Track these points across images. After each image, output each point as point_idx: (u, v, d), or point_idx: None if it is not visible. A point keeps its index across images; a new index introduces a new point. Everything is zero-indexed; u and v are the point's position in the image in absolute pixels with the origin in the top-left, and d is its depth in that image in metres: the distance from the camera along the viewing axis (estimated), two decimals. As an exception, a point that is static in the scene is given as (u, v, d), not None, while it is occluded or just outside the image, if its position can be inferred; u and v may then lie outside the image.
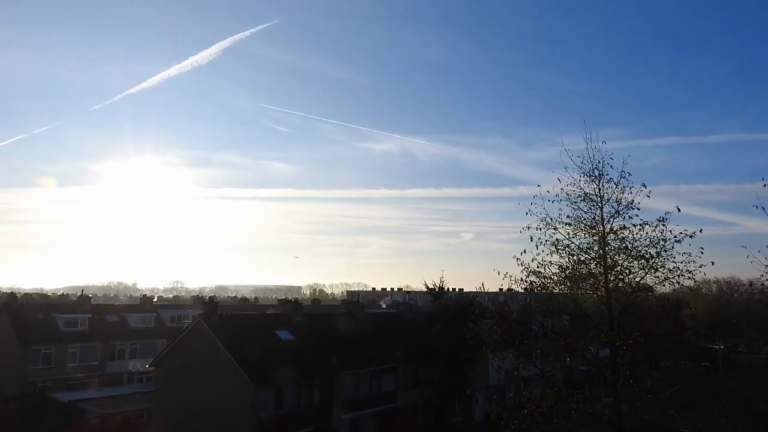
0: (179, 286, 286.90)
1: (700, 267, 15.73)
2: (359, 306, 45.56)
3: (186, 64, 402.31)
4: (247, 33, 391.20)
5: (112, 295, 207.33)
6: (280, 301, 45.33)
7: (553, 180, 17.52)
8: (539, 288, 17.40)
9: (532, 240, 17.10)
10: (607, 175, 17.15)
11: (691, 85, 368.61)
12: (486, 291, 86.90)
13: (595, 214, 17.22)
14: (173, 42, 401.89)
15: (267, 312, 53.86)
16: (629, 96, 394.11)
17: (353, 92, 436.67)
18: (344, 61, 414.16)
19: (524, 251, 17.17)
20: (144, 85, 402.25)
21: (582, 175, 17.35)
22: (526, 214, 17.49)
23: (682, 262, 15.93)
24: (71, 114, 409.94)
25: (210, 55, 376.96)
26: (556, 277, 17.16)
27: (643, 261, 16.33)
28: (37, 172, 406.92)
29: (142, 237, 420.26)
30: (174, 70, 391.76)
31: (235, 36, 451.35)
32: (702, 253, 15.77)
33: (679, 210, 15.93)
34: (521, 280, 17.49)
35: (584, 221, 17.32)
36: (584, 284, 17.13)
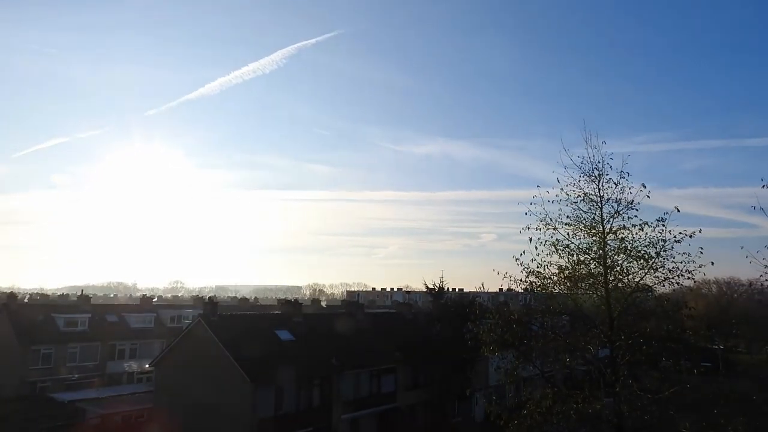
0: (179, 286, 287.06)
1: (700, 267, 15.74)
2: (359, 306, 45.51)
3: (246, 70, 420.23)
4: (310, 41, 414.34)
5: (111, 295, 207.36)
6: (280, 301, 45.29)
7: (554, 180, 17.54)
8: (539, 288, 17.40)
9: (531, 240, 17.12)
10: (607, 175, 17.17)
11: (739, 89, 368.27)
12: (486, 291, 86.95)
13: (595, 214, 17.22)
14: (234, 49, 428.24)
15: (267, 312, 53.91)
16: (676, 100, 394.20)
17: (403, 97, 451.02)
18: (399, 68, 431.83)
19: (524, 252, 17.21)
20: (202, 90, 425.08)
21: (582, 175, 17.37)
22: (526, 214, 17.52)
23: (681, 263, 15.95)
24: (123, 119, 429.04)
25: (272, 62, 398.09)
26: (555, 278, 17.17)
27: (642, 261, 16.33)
28: (68, 175, 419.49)
29: (161, 238, 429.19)
30: (234, 76, 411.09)
31: (297, 44, 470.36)
32: (701, 253, 15.78)
33: (678, 210, 15.95)
34: (521, 280, 17.52)
35: (584, 221, 17.32)
36: (584, 284, 17.12)
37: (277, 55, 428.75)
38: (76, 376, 49.79)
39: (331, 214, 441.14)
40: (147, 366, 48.55)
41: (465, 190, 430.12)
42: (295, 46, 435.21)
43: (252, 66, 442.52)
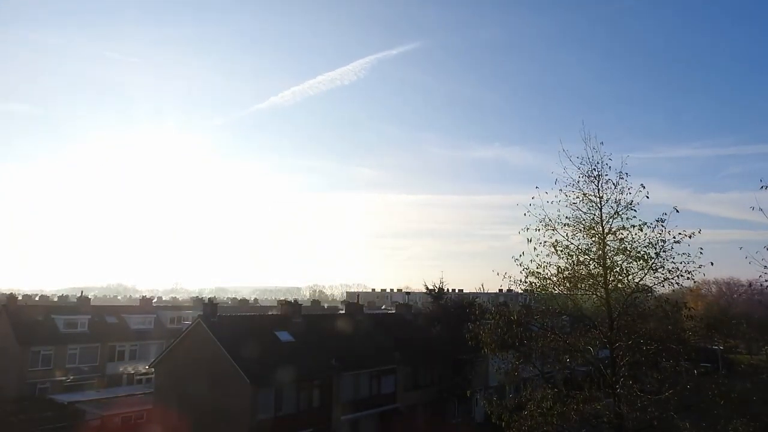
0: (179, 287, 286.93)
1: (700, 268, 15.74)
2: (359, 307, 45.49)
3: (321, 80, 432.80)
4: (387, 53, 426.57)
5: (111, 296, 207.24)
6: (279, 302, 45.26)
7: (555, 181, 17.54)
8: (539, 289, 17.40)
9: (530, 241, 17.13)
10: (606, 175, 17.17)
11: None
12: (485, 292, 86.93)
13: (594, 214, 17.21)
14: (308, 59, 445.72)
15: (267, 313, 53.89)
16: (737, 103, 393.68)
17: (465, 106, 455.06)
18: (469, 79, 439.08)
19: (523, 252, 17.21)
20: (274, 99, 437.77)
21: (581, 175, 17.37)
22: (524, 215, 17.52)
23: (681, 263, 15.95)
24: (188, 129, 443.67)
25: (345, 72, 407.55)
26: (555, 278, 17.16)
27: (642, 262, 16.31)
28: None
29: (161, 239, 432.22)
30: (307, 85, 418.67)
31: (375, 56, 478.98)
32: (701, 253, 15.79)
33: (677, 211, 15.96)
34: (521, 281, 17.52)
35: (583, 222, 17.32)
36: (583, 285, 17.11)
37: (349, 68, 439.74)
38: (76, 377, 49.75)
39: (360, 216, 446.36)
40: (147, 367, 48.53)
41: (502, 194, 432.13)
42: (375, 57, 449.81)
43: (320, 78, 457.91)
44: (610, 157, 17.08)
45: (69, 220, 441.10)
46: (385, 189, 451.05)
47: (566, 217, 17.47)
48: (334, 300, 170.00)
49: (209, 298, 41.50)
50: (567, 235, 17.42)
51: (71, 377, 49.41)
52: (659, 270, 16.24)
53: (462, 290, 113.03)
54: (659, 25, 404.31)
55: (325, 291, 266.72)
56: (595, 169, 17.15)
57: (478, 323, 18.78)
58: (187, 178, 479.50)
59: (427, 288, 46.20)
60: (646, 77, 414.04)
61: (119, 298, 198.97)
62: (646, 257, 16.23)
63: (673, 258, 16.06)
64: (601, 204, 17.14)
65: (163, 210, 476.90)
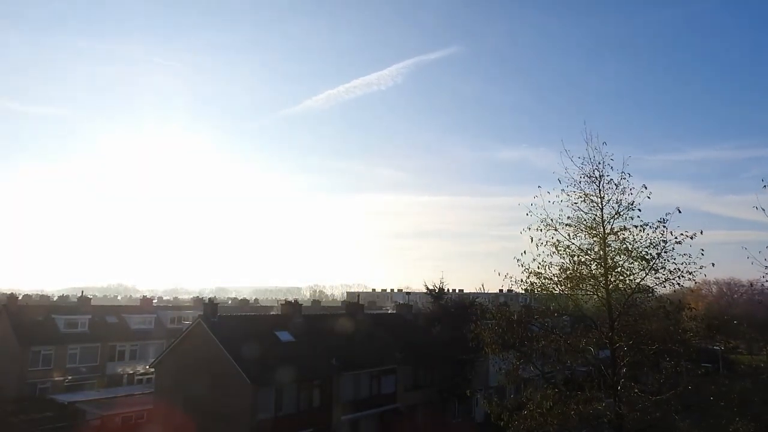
0: (179, 287, 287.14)
1: (701, 268, 15.74)
2: (359, 307, 45.47)
3: (356, 83, 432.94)
4: (416, 59, 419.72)
5: (111, 296, 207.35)
6: (280, 302, 45.26)
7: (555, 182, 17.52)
8: (540, 289, 17.39)
9: (532, 241, 17.11)
10: (608, 176, 17.17)
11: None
12: (486, 292, 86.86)
13: (596, 215, 17.21)
14: (339, 63, 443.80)
15: (267, 313, 53.90)
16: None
17: (495, 109, 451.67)
18: (505, 84, 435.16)
19: (524, 252, 17.19)
20: (308, 103, 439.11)
21: (582, 176, 17.37)
22: (527, 215, 17.50)
23: (682, 263, 15.95)
24: (215, 133, 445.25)
25: (381, 77, 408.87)
26: (556, 278, 17.16)
27: (643, 262, 16.31)
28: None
29: (162, 240, 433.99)
30: (342, 89, 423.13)
31: (411, 60, 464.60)
32: (702, 254, 15.77)
33: (679, 211, 15.95)
34: (522, 281, 17.51)
35: (585, 222, 17.32)
36: (584, 285, 17.11)
37: (385, 72, 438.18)
38: (76, 377, 49.76)
39: (377, 216, 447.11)
40: (147, 367, 48.54)
41: (519, 196, 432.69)
42: (412, 61, 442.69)
43: (356, 82, 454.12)
44: (612, 157, 17.09)
45: (69, 220, 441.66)
46: (407, 190, 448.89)
47: (568, 217, 17.50)
48: (334, 300, 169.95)
49: (209, 298, 41.47)
50: (568, 235, 17.44)
51: (71, 377, 49.42)
52: (660, 270, 16.25)
53: (462, 290, 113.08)
54: (690, 29, 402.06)
55: (325, 291, 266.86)
56: (596, 170, 17.18)
57: (479, 323, 18.78)
58: (191, 179, 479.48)
59: (428, 288, 46.16)
60: (677, 79, 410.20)
61: (119, 298, 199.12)
62: (647, 257, 16.23)
63: (674, 258, 16.08)
64: (602, 204, 17.15)
65: (164, 210, 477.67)
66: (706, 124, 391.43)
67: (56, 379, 48.53)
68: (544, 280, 17.19)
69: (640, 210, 16.62)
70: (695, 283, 16.37)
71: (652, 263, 16.19)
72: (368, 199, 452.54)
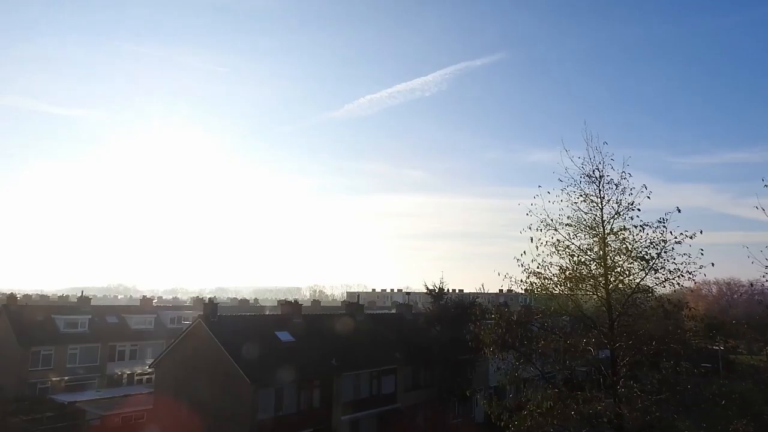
0: (179, 287, 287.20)
1: (700, 268, 15.74)
2: (359, 307, 45.47)
3: (399, 88, 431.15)
4: (460, 66, 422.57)
5: (111, 296, 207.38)
6: (280, 302, 45.23)
7: (556, 180, 17.53)
8: (539, 289, 17.39)
9: (532, 241, 17.11)
10: (608, 176, 17.18)
11: None
12: (486, 292, 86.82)
13: (596, 215, 17.22)
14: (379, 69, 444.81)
15: (267, 313, 53.88)
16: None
17: (533, 113, 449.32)
18: (549, 89, 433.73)
19: (524, 252, 17.19)
20: (348, 107, 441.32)
21: (582, 176, 17.38)
22: (527, 215, 17.51)
23: (682, 263, 15.96)
24: (250, 135, 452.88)
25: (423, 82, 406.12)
26: (556, 278, 17.16)
27: (643, 262, 16.31)
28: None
29: (162, 240, 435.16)
30: (385, 93, 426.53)
31: (444, 69, 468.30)
32: (702, 254, 15.78)
33: (679, 211, 15.95)
34: (521, 281, 17.51)
35: (584, 222, 17.33)
36: (584, 285, 17.11)
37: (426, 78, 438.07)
38: (76, 377, 49.76)
39: (398, 218, 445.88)
40: (147, 367, 48.53)
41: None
42: (456, 67, 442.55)
43: (398, 87, 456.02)
44: (612, 157, 17.10)
45: (69, 220, 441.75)
46: (433, 192, 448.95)
47: (567, 217, 17.50)
48: (334, 300, 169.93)
49: (209, 298, 41.46)
50: (568, 235, 17.45)
51: (71, 377, 49.42)
52: (660, 270, 16.26)
53: (462, 290, 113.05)
54: (721, 32, 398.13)
55: (325, 291, 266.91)
56: (596, 170, 17.18)
57: (478, 324, 18.77)
58: (191, 179, 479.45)
59: (428, 288, 46.11)
60: (727, 83, 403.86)
61: (120, 298, 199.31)
62: (647, 257, 16.24)
63: (674, 258, 16.08)
64: (602, 204, 17.16)
65: (164, 211, 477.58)
66: (737, 127, 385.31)
67: (56, 379, 48.54)
68: (544, 281, 17.20)
69: (639, 210, 16.65)
70: (695, 283, 16.39)
71: (651, 263, 16.20)
72: (390, 200, 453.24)
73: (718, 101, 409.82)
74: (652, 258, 16.19)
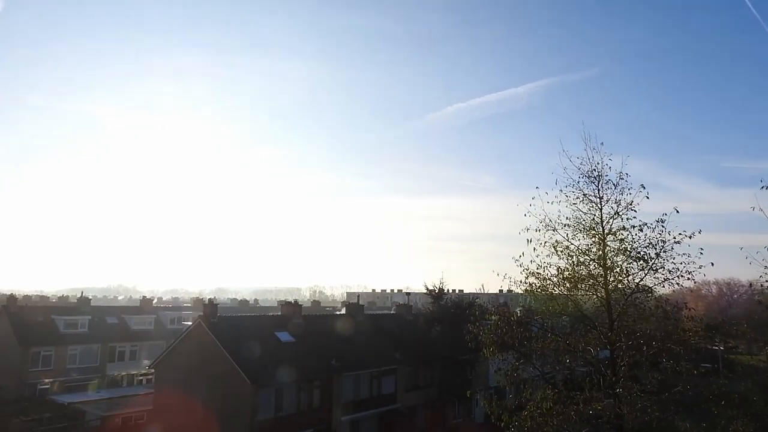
0: (179, 288, 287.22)
1: (700, 268, 15.74)
2: (359, 307, 45.47)
3: (489, 98, 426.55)
4: (553, 79, 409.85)
5: (111, 297, 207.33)
6: (280, 302, 45.25)
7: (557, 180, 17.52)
8: (539, 290, 17.39)
9: (530, 242, 17.12)
10: (606, 176, 17.18)
11: None
12: (485, 292, 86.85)
13: (594, 215, 17.22)
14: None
15: (267, 314, 53.85)
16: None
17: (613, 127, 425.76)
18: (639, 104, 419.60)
19: (523, 253, 17.20)
20: (432, 116, 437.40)
21: (581, 176, 17.38)
22: (525, 215, 17.51)
23: (681, 263, 15.96)
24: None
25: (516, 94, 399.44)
26: (555, 279, 17.16)
27: (642, 262, 16.31)
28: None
29: (162, 241, 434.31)
30: (474, 103, 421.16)
31: (535, 82, 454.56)
32: (702, 253, 15.78)
33: (677, 211, 15.97)
34: (521, 281, 17.52)
35: (583, 222, 17.32)
36: (584, 285, 17.11)
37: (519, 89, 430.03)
38: (76, 377, 49.75)
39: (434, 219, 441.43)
40: (147, 368, 48.53)
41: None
42: (547, 81, 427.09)
43: (488, 97, 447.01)
44: (610, 157, 17.11)
45: (70, 221, 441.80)
46: (490, 193, 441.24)
47: (566, 218, 17.48)
48: (334, 300, 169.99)
49: (209, 299, 41.44)
50: (567, 235, 17.44)
51: (71, 378, 49.40)
52: (659, 270, 16.25)
53: (462, 290, 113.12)
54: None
55: (325, 291, 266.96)
56: (595, 170, 17.18)
57: (478, 324, 18.78)
58: (191, 180, 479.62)
59: (428, 288, 46.16)
60: None
61: (119, 298, 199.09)
62: (646, 258, 16.24)
63: (674, 258, 16.08)
64: (601, 204, 17.16)
65: (165, 211, 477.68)
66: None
67: (56, 379, 48.54)
68: (543, 281, 17.21)
69: (636, 210, 16.65)
70: (695, 283, 16.37)
71: (651, 263, 16.19)
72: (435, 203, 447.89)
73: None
74: (652, 258, 16.19)
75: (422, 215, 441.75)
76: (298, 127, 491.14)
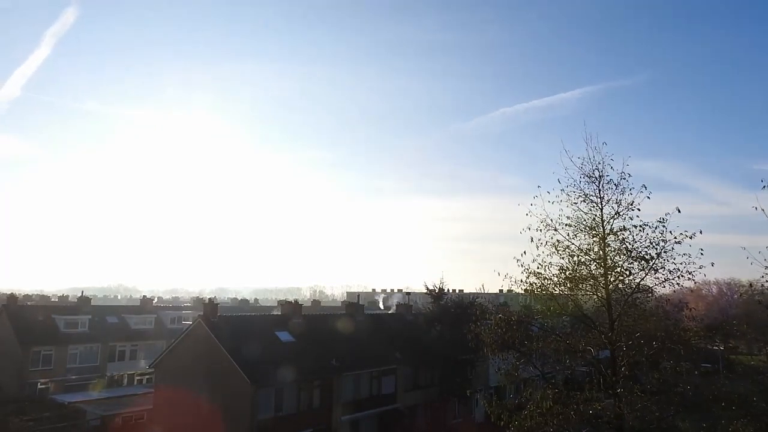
0: (179, 287, 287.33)
1: (700, 268, 15.75)
2: (359, 307, 45.48)
3: (536, 104, 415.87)
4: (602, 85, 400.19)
5: (112, 296, 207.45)
6: (280, 302, 45.27)
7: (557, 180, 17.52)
8: (539, 289, 17.39)
9: (532, 241, 17.11)
10: (607, 176, 17.18)
11: None
12: (486, 292, 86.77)
13: (595, 215, 17.22)
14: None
15: (267, 313, 53.87)
16: None
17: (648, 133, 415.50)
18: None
19: (524, 252, 17.19)
20: (479, 119, 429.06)
21: (582, 176, 17.38)
22: (526, 215, 17.51)
23: (682, 263, 15.97)
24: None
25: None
26: (556, 279, 17.16)
27: (643, 262, 16.32)
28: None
29: (162, 241, 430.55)
30: (521, 108, 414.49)
31: (583, 87, 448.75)
32: (702, 254, 15.79)
33: (679, 211, 15.96)
34: (521, 281, 17.51)
35: (584, 222, 17.32)
36: (584, 285, 17.11)
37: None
38: (77, 377, 49.76)
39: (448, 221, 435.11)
40: (147, 367, 48.53)
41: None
42: (597, 87, 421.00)
43: (535, 102, 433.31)
44: (611, 157, 17.11)
45: (70, 220, 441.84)
46: (520, 193, 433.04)
47: (567, 217, 17.49)
48: (334, 300, 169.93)
49: (209, 298, 41.45)
50: (568, 235, 17.44)
51: (71, 377, 49.41)
52: (660, 270, 16.27)
53: (462, 290, 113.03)
54: None
55: (325, 291, 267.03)
56: (596, 170, 17.19)
57: (478, 324, 18.78)
58: (191, 180, 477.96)
59: (428, 288, 46.16)
60: None
61: (120, 298, 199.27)
62: (647, 257, 16.24)
63: (674, 258, 16.10)
64: (602, 204, 17.16)
65: (165, 211, 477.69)
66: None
67: (56, 379, 48.53)
68: (543, 281, 17.20)
69: (639, 209, 16.65)
70: (695, 283, 16.37)
71: (651, 263, 16.21)
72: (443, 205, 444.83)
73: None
74: (652, 258, 16.20)
75: (440, 217, 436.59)
76: (306, 132, 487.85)
